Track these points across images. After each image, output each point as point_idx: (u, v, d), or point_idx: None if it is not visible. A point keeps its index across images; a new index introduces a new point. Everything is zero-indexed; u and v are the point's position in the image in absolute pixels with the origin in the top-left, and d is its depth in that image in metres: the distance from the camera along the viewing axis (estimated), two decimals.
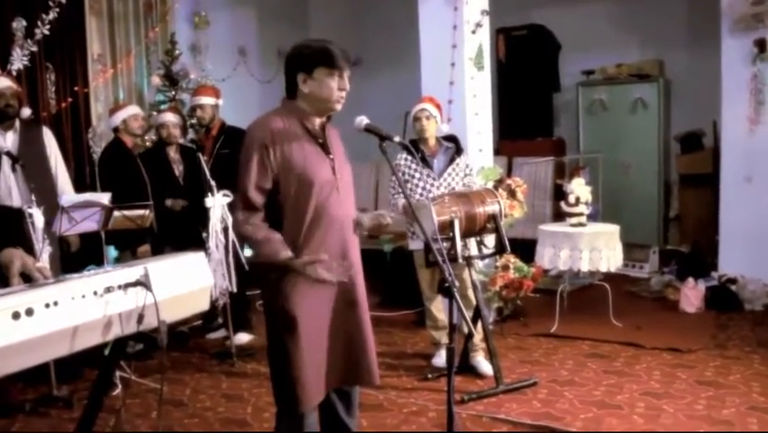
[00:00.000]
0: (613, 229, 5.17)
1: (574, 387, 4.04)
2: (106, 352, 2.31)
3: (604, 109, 7.70)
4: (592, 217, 5.60)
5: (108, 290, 1.87)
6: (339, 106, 2.59)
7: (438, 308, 4.40)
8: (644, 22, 7.56)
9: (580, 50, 7.79)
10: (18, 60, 5.59)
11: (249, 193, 2.52)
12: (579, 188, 5.28)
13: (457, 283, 2.45)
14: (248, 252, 4.56)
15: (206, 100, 5.23)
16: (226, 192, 4.46)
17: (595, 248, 5.00)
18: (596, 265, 5.03)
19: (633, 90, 7.53)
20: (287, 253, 2.49)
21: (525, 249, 5.40)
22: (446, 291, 2.41)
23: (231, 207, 4.39)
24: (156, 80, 6.41)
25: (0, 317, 1.61)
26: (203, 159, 4.68)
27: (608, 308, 5.26)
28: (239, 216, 2.57)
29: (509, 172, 6.68)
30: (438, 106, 4.46)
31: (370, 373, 2.68)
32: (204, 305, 2.21)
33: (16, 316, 1.64)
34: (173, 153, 5.21)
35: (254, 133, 2.55)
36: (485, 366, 4.26)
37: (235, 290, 4.54)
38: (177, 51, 6.51)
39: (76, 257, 4.69)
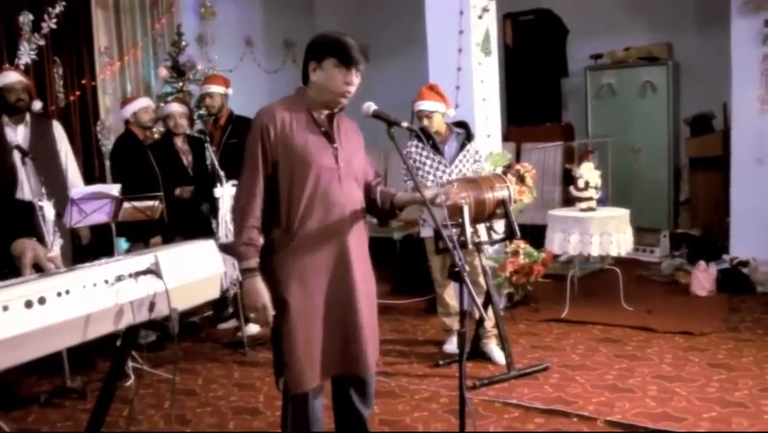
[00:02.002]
0: (623, 213, 5.15)
1: (586, 371, 4.04)
2: (119, 343, 2.33)
3: (612, 93, 7.67)
4: (602, 202, 5.58)
5: (119, 278, 1.88)
6: (344, 101, 2.59)
7: (450, 294, 4.40)
8: (652, 4, 7.50)
9: (588, 35, 7.73)
10: (26, 55, 5.61)
11: (252, 180, 2.55)
12: (588, 173, 5.26)
13: (468, 269, 2.45)
14: None
15: (216, 89, 5.24)
16: (235, 182, 4.48)
17: (605, 232, 4.98)
18: (606, 250, 5.01)
19: (642, 74, 7.49)
20: (248, 265, 2.56)
21: (535, 234, 5.39)
22: (456, 276, 2.41)
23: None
24: (163, 72, 6.41)
25: (13, 306, 1.62)
26: (211, 149, 4.69)
27: (618, 292, 5.25)
28: (240, 203, 2.61)
29: (518, 158, 6.66)
30: (440, 94, 4.35)
31: (360, 362, 2.65)
32: (215, 293, 2.22)
33: (29, 304, 1.66)
34: (181, 144, 5.21)
35: (258, 120, 2.59)
36: (496, 352, 4.26)
37: None
38: (183, 42, 6.50)
39: (87, 250, 4.72)
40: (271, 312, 2.54)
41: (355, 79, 2.56)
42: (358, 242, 2.67)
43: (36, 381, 4.28)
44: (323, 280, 2.59)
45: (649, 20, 7.59)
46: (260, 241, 2.58)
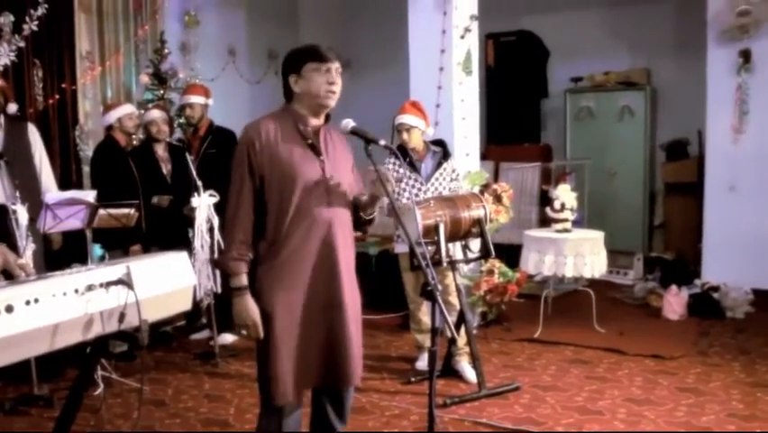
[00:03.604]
0: (598, 236, 5.20)
1: (556, 392, 4.06)
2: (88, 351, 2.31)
3: (591, 116, 7.77)
4: (577, 224, 5.63)
5: (90, 288, 1.87)
6: (330, 102, 2.60)
7: (423, 311, 4.41)
8: (633, 30, 7.64)
9: (569, 57, 7.85)
10: (5, 56, 5.56)
11: (239, 196, 2.55)
12: (564, 194, 5.31)
13: (440, 287, 2.46)
14: None
15: (196, 99, 5.22)
16: (212, 192, 4.47)
17: (579, 254, 5.03)
18: (580, 271, 5.06)
19: (620, 98, 7.60)
20: (238, 284, 2.55)
21: (511, 254, 5.43)
22: (429, 295, 2.43)
23: (218, 206, 4.42)
24: (145, 79, 6.38)
25: None
26: (190, 158, 4.67)
27: (591, 313, 5.29)
28: (227, 227, 2.61)
29: (496, 177, 6.70)
30: (421, 111, 4.38)
31: (346, 374, 2.66)
32: (186, 305, 2.21)
33: None
34: (161, 152, 5.19)
35: (245, 132, 2.61)
36: (468, 371, 4.27)
37: (220, 290, 4.52)
38: (166, 50, 6.49)
39: (60, 255, 4.67)
40: (261, 330, 2.54)
41: (336, 78, 2.58)
42: (345, 255, 2.66)
43: (2, 387, 4.22)
44: (309, 292, 2.58)
45: (629, 45, 7.73)
46: (250, 255, 2.57)
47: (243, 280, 2.55)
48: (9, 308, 1.67)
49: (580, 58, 7.80)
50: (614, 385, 4.14)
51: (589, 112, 7.77)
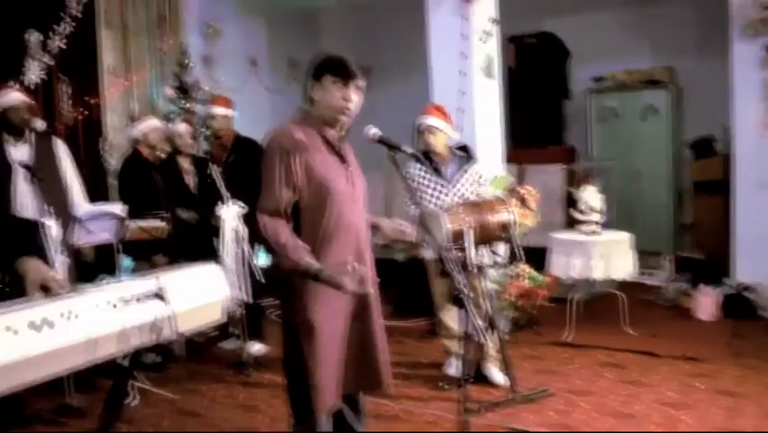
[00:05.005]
0: (626, 237, 5.15)
1: (590, 397, 4.02)
2: (121, 363, 2.33)
3: (615, 116, 7.70)
4: (604, 225, 5.57)
5: (125, 301, 1.89)
6: (344, 118, 2.59)
7: (451, 317, 4.38)
8: (654, 28, 7.56)
9: (591, 58, 7.78)
10: (33, 73, 5.64)
11: (274, 199, 2.52)
12: (590, 196, 5.27)
13: (472, 295, 2.45)
14: (262, 261, 4.58)
15: (220, 111, 5.27)
16: (241, 204, 4.49)
17: (608, 256, 4.98)
18: (609, 273, 5.00)
19: (644, 97, 7.52)
20: (314, 264, 2.47)
21: (538, 257, 5.38)
22: (459, 302, 2.41)
23: (246, 217, 4.44)
24: (168, 92, 6.45)
25: (20, 329, 1.62)
26: (216, 169, 4.70)
27: (622, 316, 5.23)
28: (265, 221, 2.54)
29: (521, 180, 6.66)
30: (446, 115, 4.38)
31: (381, 379, 2.70)
32: (219, 316, 2.22)
33: (36, 327, 1.66)
34: (186, 164, 5.23)
35: (277, 141, 2.57)
36: (499, 376, 4.24)
37: (250, 300, 4.55)
38: (189, 63, 6.55)
39: (90, 267, 4.72)
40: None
41: (354, 96, 2.57)
42: (370, 262, 2.71)
43: (38, 398, 4.26)
44: (344, 300, 2.60)
45: (651, 43, 7.65)
46: (301, 242, 2.52)
47: (314, 261, 2.48)
48: (49, 323, 1.68)
49: (601, 58, 7.73)
50: (648, 389, 4.09)
51: (612, 112, 7.70)
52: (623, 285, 5.72)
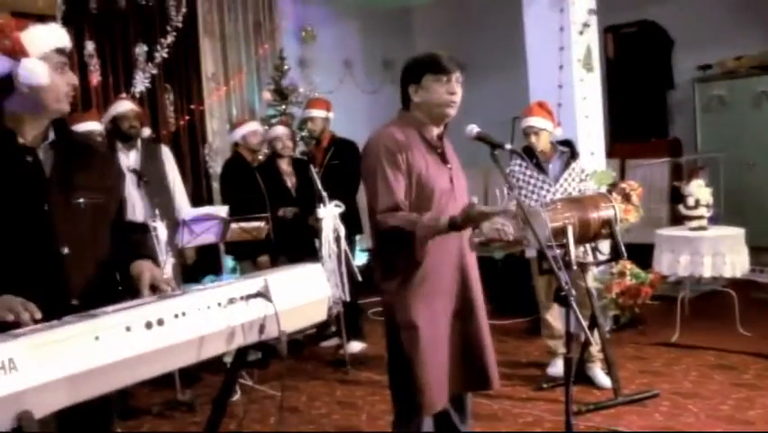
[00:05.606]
0: (737, 232, 4.89)
1: (699, 400, 3.84)
2: (227, 360, 2.40)
3: (723, 105, 7.32)
4: (713, 221, 5.31)
5: (231, 301, 1.94)
6: (451, 111, 2.61)
7: (554, 316, 4.30)
8: (764, 9, 7.12)
9: (696, 44, 7.42)
10: (141, 83, 5.94)
11: (390, 195, 2.52)
12: (698, 190, 5.03)
13: (574, 292, 2.39)
14: (360, 260, 4.64)
15: (317, 113, 5.36)
16: (338, 203, 4.56)
17: (718, 253, 4.74)
18: (719, 271, 4.76)
19: (755, 84, 7.10)
20: (445, 218, 2.44)
21: (641, 253, 5.18)
22: (563, 301, 2.35)
23: (343, 216, 4.51)
24: (267, 95, 6.63)
25: (135, 327, 1.70)
26: (314, 170, 4.78)
27: (734, 315, 4.97)
28: (379, 218, 2.55)
29: (623, 175, 6.45)
30: (549, 113, 4.31)
31: (489, 379, 2.69)
32: (321, 315, 2.25)
33: (149, 326, 1.73)
34: (285, 166, 5.35)
35: (379, 141, 2.59)
36: (603, 379, 4.12)
37: (348, 298, 4.61)
38: (285, 67, 6.71)
39: (195, 267, 4.92)
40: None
41: (457, 88, 2.58)
42: (472, 260, 2.71)
43: (149, 393, 4.47)
44: (447, 300, 2.61)
45: (762, 27, 7.22)
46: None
47: (441, 218, 2.46)
48: (161, 322, 1.75)
49: (707, 44, 7.35)
50: (764, 393, 3.86)
51: (720, 101, 7.32)
52: (733, 283, 5.44)
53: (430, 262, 2.55)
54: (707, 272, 4.79)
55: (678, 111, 7.85)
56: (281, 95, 6.60)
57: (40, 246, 1.99)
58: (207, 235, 4.43)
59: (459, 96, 2.60)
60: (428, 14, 8.71)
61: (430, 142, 2.62)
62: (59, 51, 2.02)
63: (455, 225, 2.44)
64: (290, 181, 5.32)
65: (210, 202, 6.12)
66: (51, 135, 2.08)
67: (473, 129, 2.57)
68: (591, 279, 4.25)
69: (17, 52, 1.94)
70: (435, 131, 2.65)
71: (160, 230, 4.14)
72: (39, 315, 1.75)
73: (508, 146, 2.57)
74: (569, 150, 4.30)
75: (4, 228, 1.95)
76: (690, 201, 5.02)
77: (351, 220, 4.90)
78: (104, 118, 4.74)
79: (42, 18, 4.83)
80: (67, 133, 2.14)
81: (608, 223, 3.83)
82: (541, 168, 4.21)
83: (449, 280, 2.61)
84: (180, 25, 6.16)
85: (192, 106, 6.42)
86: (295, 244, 5.02)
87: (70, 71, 2.07)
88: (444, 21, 8.73)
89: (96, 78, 5.72)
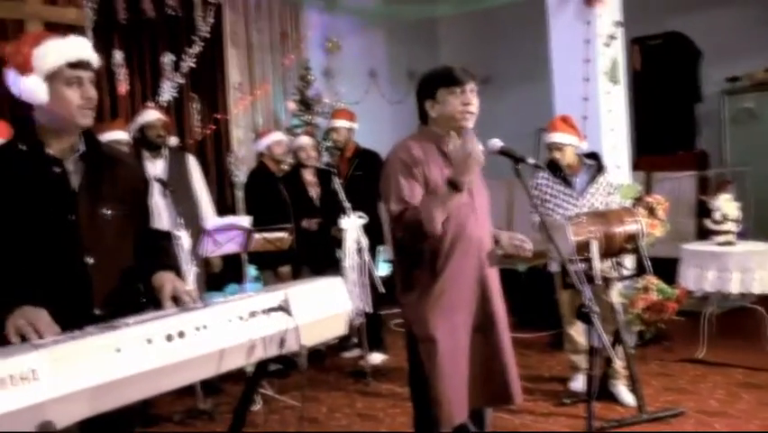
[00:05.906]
0: (767, 248, 4.80)
1: (726, 419, 3.77)
2: (249, 369, 2.40)
3: (752, 118, 7.22)
4: (742, 236, 5.22)
5: (252, 314, 1.94)
6: (468, 123, 2.61)
7: (577, 331, 4.25)
8: None
9: (724, 56, 7.33)
10: (167, 92, 6.01)
11: (400, 198, 2.54)
12: (725, 205, 4.95)
13: (597, 308, 2.36)
14: (383, 272, 4.63)
15: (342, 123, 5.38)
16: (361, 214, 4.56)
17: (747, 269, 4.66)
18: (748, 287, 4.68)
19: None
20: (444, 188, 2.48)
21: (666, 268, 5.10)
22: (585, 318, 2.33)
23: (366, 228, 4.50)
24: (292, 105, 6.67)
25: (156, 340, 1.71)
26: (338, 181, 4.79)
27: (763, 332, 4.87)
28: (394, 224, 2.58)
29: (649, 189, 6.37)
30: (573, 127, 4.28)
31: (510, 394, 2.67)
32: (342, 329, 2.25)
33: (170, 338, 1.74)
34: (309, 176, 5.37)
35: (397, 154, 2.63)
36: (625, 394, 4.06)
37: (371, 310, 4.60)
38: (311, 77, 6.74)
39: (218, 276, 4.95)
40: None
41: (472, 98, 2.59)
42: (493, 273, 2.69)
43: (170, 401, 4.48)
44: (466, 314, 2.61)
45: None
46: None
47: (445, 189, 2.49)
48: (182, 334, 1.76)
49: (736, 55, 7.26)
50: None
51: (749, 113, 7.23)
52: (763, 299, 5.34)
53: (449, 276, 2.55)
54: (735, 289, 4.70)
55: (705, 123, 7.75)
56: (306, 105, 6.63)
57: (64, 256, 2.01)
58: (231, 246, 4.45)
59: (475, 107, 2.61)
60: (453, 25, 8.71)
61: (448, 154, 2.62)
62: (73, 66, 2.00)
63: (454, 185, 2.45)
64: (314, 191, 5.33)
65: (234, 210, 6.15)
66: (82, 147, 2.10)
67: (496, 143, 2.56)
68: (616, 294, 4.19)
69: (26, 69, 1.97)
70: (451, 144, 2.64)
71: (184, 239, 4.17)
72: (49, 335, 1.75)
73: (531, 160, 2.56)
74: (596, 163, 4.26)
75: (28, 237, 1.97)
76: (717, 216, 4.94)
77: (374, 231, 4.90)
78: (131, 127, 4.80)
79: (73, 28, 4.91)
80: (96, 145, 2.16)
81: (633, 238, 3.79)
82: (567, 181, 4.18)
83: (468, 293, 2.60)
84: (207, 35, 6.22)
85: (217, 116, 6.47)
86: (317, 255, 5.03)
87: (88, 84, 2.05)
88: (469, 32, 8.72)
89: (123, 88, 5.79)
